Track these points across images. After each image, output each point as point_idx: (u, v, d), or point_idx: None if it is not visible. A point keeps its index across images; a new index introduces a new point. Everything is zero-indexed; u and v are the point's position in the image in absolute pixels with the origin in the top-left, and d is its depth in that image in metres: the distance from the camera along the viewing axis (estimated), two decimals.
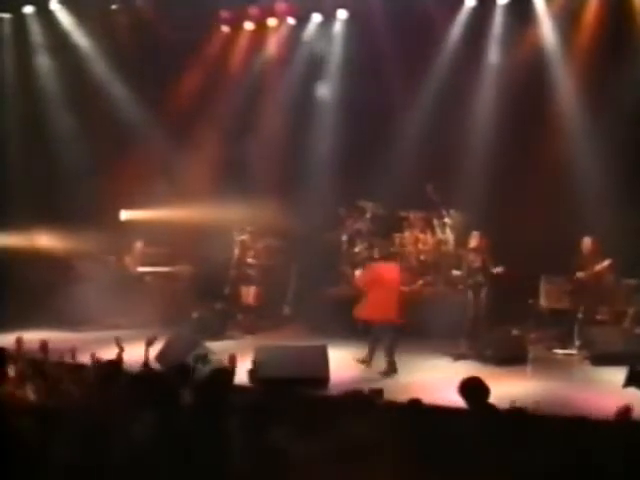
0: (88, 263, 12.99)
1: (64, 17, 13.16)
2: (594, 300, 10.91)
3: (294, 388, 8.33)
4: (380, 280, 9.71)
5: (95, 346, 9.42)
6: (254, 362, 8.77)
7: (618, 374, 8.09)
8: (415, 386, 8.88)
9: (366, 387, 8.82)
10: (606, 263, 10.71)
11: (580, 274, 10.81)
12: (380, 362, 9.80)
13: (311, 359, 8.82)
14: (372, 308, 9.67)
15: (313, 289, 12.68)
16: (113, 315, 12.48)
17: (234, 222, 12.73)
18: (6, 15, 13.43)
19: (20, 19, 13.41)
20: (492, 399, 8.30)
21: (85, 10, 13.10)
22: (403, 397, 8.16)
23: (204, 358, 9.10)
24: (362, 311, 9.86)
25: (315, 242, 12.78)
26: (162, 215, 13.42)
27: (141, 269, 13.15)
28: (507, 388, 8.75)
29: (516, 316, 11.51)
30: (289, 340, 11.56)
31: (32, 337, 11.49)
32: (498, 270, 10.60)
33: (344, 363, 9.73)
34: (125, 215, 13.93)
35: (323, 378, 8.67)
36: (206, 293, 12.91)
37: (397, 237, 12.72)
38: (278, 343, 9.80)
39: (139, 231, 13.51)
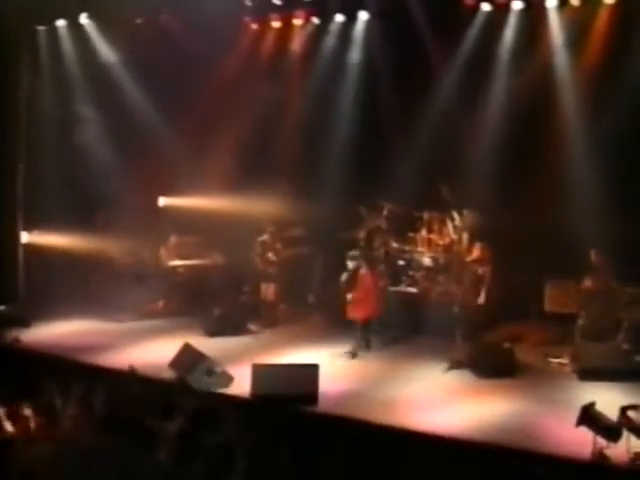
0: (124, 257, 14.01)
1: (92, 30, 14.08)
2: (598, 308, 11.18)
3: (285, 404, 9.22)
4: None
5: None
6: (251, 379, 9.60)
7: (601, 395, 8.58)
8: (401, 404, 9.49)
9: (354, 402, 9.64)
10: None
11: (585, 284, 11.13)
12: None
13: (302, 377, 9.57)
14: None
15: (334, 283, 13.33)
16: (146, 307, 13.63)
17: (259, 216, 13.43)
18: (41, 27, 14.44)
19: (53, 31, 14.40)
20: (459, 417, 8.99)
21: (111, 23, 13.92)
22: (387, 418, 8.97)
23: (209, 371, 10.10)
24: None
25: (334, 239, 13.38)
26: (194, 205, 14.32)
27: (174, 262, 14.07)
28: (480, 407, 9.30)
29: (519, 318, 12.19)
30: (304, 335, 12.55)
31: (72, 328, 12.81)
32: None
33: (337, 377, 10.42)
34: (163, 202, 14.92)
35: (312, 395, 9.44)
36: (234, 285, 13.81)
37: (411, 236, 13.19)
38: (273, 362, 10.53)
39: (173, 222, 14.47)
